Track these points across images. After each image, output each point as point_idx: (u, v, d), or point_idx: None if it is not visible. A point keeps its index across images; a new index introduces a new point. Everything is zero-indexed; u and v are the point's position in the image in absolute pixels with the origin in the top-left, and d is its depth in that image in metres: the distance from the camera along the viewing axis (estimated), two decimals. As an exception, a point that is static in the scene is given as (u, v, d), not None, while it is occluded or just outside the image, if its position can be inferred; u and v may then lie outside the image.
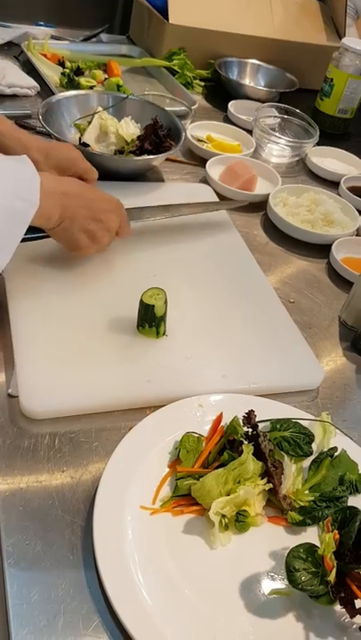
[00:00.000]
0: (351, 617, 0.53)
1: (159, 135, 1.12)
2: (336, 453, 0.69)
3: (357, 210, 1.15)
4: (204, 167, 1.18)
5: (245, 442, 0.65)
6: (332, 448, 0.69)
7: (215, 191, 1.13)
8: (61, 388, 0.69)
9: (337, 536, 0.55)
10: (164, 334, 0.79)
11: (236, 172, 1.14)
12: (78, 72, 1.43)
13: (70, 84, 1.37)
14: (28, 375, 0.69)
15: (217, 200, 1.11)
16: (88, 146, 1.11)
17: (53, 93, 1.27)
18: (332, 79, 1.50)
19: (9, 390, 0.68)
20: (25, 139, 0.86)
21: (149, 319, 0.77)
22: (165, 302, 0.77)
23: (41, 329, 0.76)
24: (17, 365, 0.70)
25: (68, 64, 1.46)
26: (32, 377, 0.69)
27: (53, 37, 1.59)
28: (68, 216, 0.76)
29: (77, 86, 1.36)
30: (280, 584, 0.57)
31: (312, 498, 0.64)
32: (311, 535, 0.62)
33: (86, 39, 1.68)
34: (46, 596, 0.53)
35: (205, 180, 1.17)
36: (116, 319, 0.80)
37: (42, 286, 0.82)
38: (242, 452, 0.63)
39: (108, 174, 1.06)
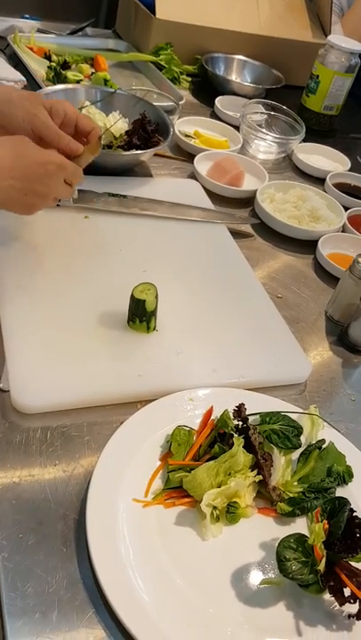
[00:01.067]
0: (340, 605, 0.55)
1: (147, 130, 1.12)
2: (324, 445, 0.70)
3: (343, 206, 1.16)
4: (192, 163, 1.18)
5: (236, 435, 0.66)
6: (320, 440, 0.70)
7: (203, 187, 1.14)
8: (53, 383, 0.69)
9: (326, 526, 0.56)
10: (154, 329, 0.80)
11: (224, 167, 1.15)
12: (65, 66, 1.42)
13: (57, 77, 1.37)
14: (19, 370, 0.69)
15: (205, 196, 1.12)
16: (76, 140, 1.11)
17: (40, 87, 1.26)
18: (317, 76, 1.52)
19: (0, 385, 0.68)
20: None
21: (140, 314, 0.77)
22: (156, 297, 0.77)
23: (31, 324, 0.76)
24: (7, 360, 0.70)
25: (54, 58, 1.45)
26: (23, 372, 0.69)
27: (39, 31, 1.58)
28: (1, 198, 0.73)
29: (64, 80, 1.36)
30: (270, 574, 0.58)
31: (301, 489, 0.66)
32: (300, 526, 0.63)
33: (72, 33, 1.67)
34: (40, 589, 0.53)
35: (193, 176, 1.18)
36: (107, 314, 0.80)
37: (32, 282, 0.82)
38: (232, 444, 0.64)
39: (95, 169, 1.06)
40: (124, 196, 1.03)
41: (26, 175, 0.73)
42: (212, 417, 0.70)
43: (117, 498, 0.60)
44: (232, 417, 0.68)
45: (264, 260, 1.04)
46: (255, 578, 0.58)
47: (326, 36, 1.56)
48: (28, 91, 0.87)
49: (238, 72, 1.65)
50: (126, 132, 1.13)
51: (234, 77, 1.63)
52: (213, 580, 0.57)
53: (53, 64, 1.41)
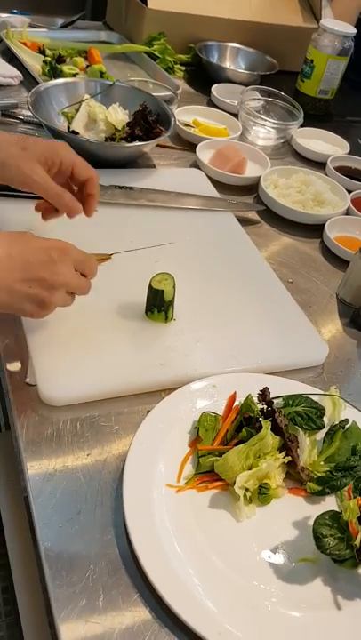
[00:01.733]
0: (376, 577, 0.56)
1: (149, 121, 1.12)
2: (347, 425, 0.71)
3: (346, 189, 1.17)
4: (193, 152, 1.19)
5: (262, 418, 0.67)
6: (343, 420, 0.72)
7: (207, 175, 1.14)
8: (77, 375, 0.70)
9: (360, 502, 0.57)
10: (172, 319, 0.80)
11: (226, 155, 1.16)
12: (60, 60, 1.42)
13: (53, 72, 1.36)
14: (44, 364, 0.70)
15: (209, 184, 1.12)
16: (77, 134, 1.11)
17: (37, 82, 1.26)
18: (312, 60, 1.52)
19: (27, 379, 0.69)
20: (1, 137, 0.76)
21: (158, 304, 0.78)
22: (174, 287, 0.78)
23: (51, 318, 0.76)
24: (32, 355, 0.71)
25: (48, 52, 1.45)
26: (48, 365, 0.70)
27: (31, 25, 1.57)
28: (2, 289, 0.63)
29: (60, 74, 1.35)
30: (305, 551, 0.59)
31: (328, 468, 0.67)
32: (329, 504, 0.65)
33: (63, 26, 1.66)
34: (84, 576, 0.54)
35: (196, 165, 1.18)
36: (124, 306, 0.81)
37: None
38: (260, 428, 0.65)
39: (98, 162, 1.06)
40: (131, 188, 1.04)
41: (27, 262, 0.64)
42: (235, 402, 0.72)
43: (151, 484, 0.61)
44: (256, 401, 0.69)
45: (272, 245, 1.05)
46: (291, 555, 0.59)
47: (318, 20, 1.56)
48: (22, 139, 0.77)
49: (232, 59, 1.65)
50: (127, 123, 1.13)
51: (228, 65, 1.63)
52: (250, 560, 0.58)
53: (48, 58, 1.40)
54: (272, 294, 0.91)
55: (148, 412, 0.68)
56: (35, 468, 0.61)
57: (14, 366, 0.71)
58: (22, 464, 0.62)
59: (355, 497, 0.58)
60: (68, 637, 0.51)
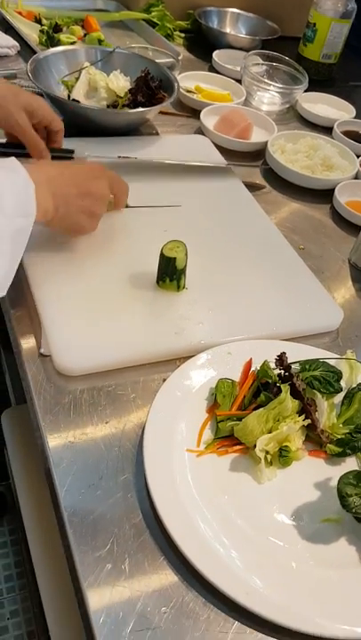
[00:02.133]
0: None
1: (151, 87, 1.10)
2: (365, 387, 0.71)
3: (354, 153, 1.15)
4: (197, 118, 1.17)
5: (280, 383, 0.66)
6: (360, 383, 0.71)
7: (212, 142, 1.12)
8: (91, 345, 0.69)
9: (383, 461, 0.57)
10: (184, 287, 0.79)
11: (232, 120, 1.13)
12: (57, 29, 1.38)
13: (50, 41, 1.33)
14: (58, 334, 0.69)
15: (215, 150, 1.10)
16: (78, 102, 1.09)
17: (34, 52, 1.23)
18: (314, 24, 1.48)
19: (41, 350, 0.68)
20: None
21: (170, 272, 0.77)
22: (186, 254, 0.77)
23: (63, 289, 0.75)
24: (44, 325, 0.70)
25: (44, 21, 1.41)
26: (61, 336, 0.69)
27: (25, -6, 1.53)
28: (62, 202, 0.72)
29: (58, 43, 1.32)
30: (328, 512, 0.59)
31: (347, 430, 0.67)
32: (350, 465, 0.65)
33: (59, -6, 1.62)
34: (109, 541, 0.54)
35: (200, 131, 1.16)
36: (135, 275, 0.80)
37: (58, 248, 0.81)
38: (278, 392, 0.65)
39: (101, 129, 1.05)
40: (135, 158, 1.02)
41: (77, 179, 0.75)
42: (251, 368, 0.71)
43: (172, 449, 0.60)
44: (273, 366, 0.69)
45: (281, 212, 1.03)
46: (313, 516, 0.59)
47: (320, -18, 1.52)
48: (16, 88, 0.88)
49: (232, 25, 1.61)
50: (130, 90, 1.11)
51: (228, 30, 1.59)
52: (274, 521, 0.58)
53: (45, 27, 1.37)
54: (284, 261, 0.90)
55: (164, 380, 0.67)
56: (54, 437, 0.61)
57: (27, 337, 0.71)
58: (42, 433, 0.61)
59: (377, 456, 0.58)
60: (96, 602, 0.51)
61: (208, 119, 1.15)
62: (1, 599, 1.40)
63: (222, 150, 1.11)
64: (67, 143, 0.95)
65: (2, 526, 1.53)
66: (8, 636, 1.34)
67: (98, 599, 0.51)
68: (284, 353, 0.68)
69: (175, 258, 0.76)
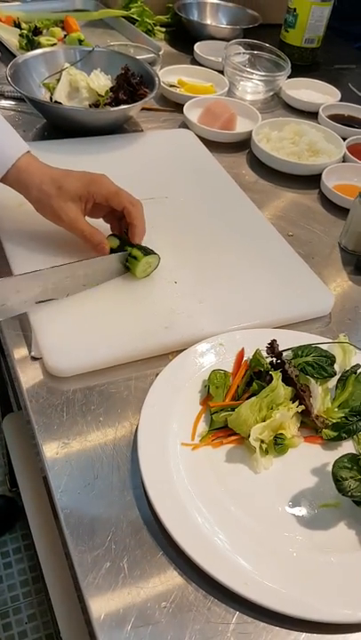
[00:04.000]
0: None
1: (132, 83, 1.10)
2: (359, 370, 0.70)
3: (340, 137, 1.14)
4: (181, 112, 1.16)
5: (272, 371, 0.66)
6: (354, 365, 0.71)
7: (196, 134, 1.12)
8: (82, 345, 0.69)
9: (378, 442, 0.56)
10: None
11: (215, 112, 1.13)
12: (37, 32, 1.38)
13: (30, 44, 1.33)
14: (47, 336, 0.69)
15: (200, 143, 1.10)
16: (60, 104, 1.08)
17: (15, 56, 1.23)
18: (295, 9, 1.47)
19: (31, 353, 0.68)
20: (39, 171, 0.78)
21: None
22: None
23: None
24: (34, 328, 0.70)
25: (24, 25, 1.41)
26: (51, 337, 0.69)
27: (3, 0, 1.53)
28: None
29: (38, 46, 1.32)
30: (326, 497, 0.59)
31: (342, 414, 0.66)
32: (346, 449, 0.64)
33: (37, -3, 1.61)
34: (107, 539, 0.54)
35: (185, 125, 1.15)
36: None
37: (41, 248, 0.81)
38: (270, 380, 0.64)
39: (85, 130, 1.04)
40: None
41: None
42: (244, 358, 0.71)
43: (167, 444, 0.60)
44: (265, 355, 0.68)
45: (269, 200, 1.03)
46: (312, 502, 0.59)
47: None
48: (61, 176, 0.78)
49: (213, 16, 1.61)
50: (111, 88, 1.10)
51: (209, 22, 1.58)
52: (272, 509, 0.58)
53: (24, 31, 1.36)
54: (273, 248, 0.89)
55: (157, 375, 0.67)
56: (48, 438, 0.61)
57: (18, 341, 0.71)
58: (35, 436, 0.61)
59: (372, 438, 0.58)
60: (95, 601, 0.51)
61: (191, 112, 1.15)
62: (18, 604, 1.41)
63: (207, 142, 1.11)
64: (53, 145, 0.95)
65: (15, 532, 1.53)
66: (27, 640, 1.35)
67: (98, 597, 0.51)
68: (275, 340, 0.68)
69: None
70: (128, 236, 0.79)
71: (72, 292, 0.74)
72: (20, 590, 1.43)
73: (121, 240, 0.79)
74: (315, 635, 0.50)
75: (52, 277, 0.72)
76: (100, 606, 0.50)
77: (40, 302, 0.72)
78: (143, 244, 0.79)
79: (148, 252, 0.78)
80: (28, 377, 0.67)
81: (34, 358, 0.68)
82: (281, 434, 0.63)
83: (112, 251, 0.78)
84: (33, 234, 0.82)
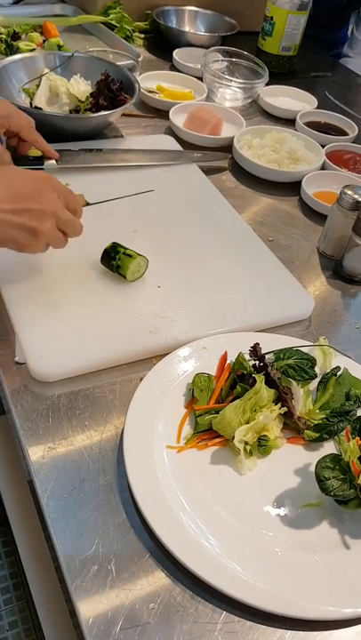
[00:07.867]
0: (380, 514, 0.57)
1: (112, 89, 1.10)
2: (339, 372, 0.72)
3: (319, 144, 1.16)
4: (161, 118, 1.17)
5: (255, 373, 0.67)
6: (334, 368, 0.72)
7: (183, 140, 1.13)
8: (66, 349, 0.70)
9: (359, 442, 0.58)
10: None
11: (202, 117, 1.14)
12: (15, 37, 1.38)
13: (9, 49, 1.32)
14: (31, 341, 0.69)
15: (181, 149, 1.11)
16: (40, 109, 1.08)
17: (-6, 61, 1.22)
18: (271, 17, 1.49)
19: (16, 358, 0.68)
20: None
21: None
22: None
23: (33, 294, 0.75)
24: (17, 333, 0.70)
25: (2, 30, 1.40)
26: (35, 342, 0.69)
27: (-20, 4, 1.53)
28: None
29: (17, 51, 1.32)
30: (309, 497, 0.60)
31: (324, 415, 0.68)
32: (328, 449, 0.66)
33: (16, 2, 1.61)
34: (94, 543, 0.54)
35: (169, 131, 1.16)
36: (106, 276, 0.80)
37: (26, 257, 0.80)
38: (253, 383, 0.65)
39: (65, 136, 1.05)
40: (100, 150, 1.03)
41: (15, 195, 0.67)
42: (227, 361, 0.72)
43: (152, 447, 0.61)
44: (248, 358, 0.69)
45: (249, 206, 1.04)
46: (295, 502, 0.60)
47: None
48: None
49: (191, 23, 1.62)
50: (91, 94, 1.11)
51: (187, 29, 1.60)
52: (257, 510, 0.59)
53: (3, 36, 1.36)
54: (253, 253, 0.90)
55: (142, 379, 0.68)
56: (33, 443, 0.61)
57: (2, 346, 0.71)
58: (21, 441, 0.61)
59: (353, 438, 0.59)
60: (83, 604, 0.51)
61: (176, 118, 1.16)
62: (-1, 611, 1.39)
63: (192, 148, 1.12)
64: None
65: (-5, 539, 1.52)
66: (8, 648, 1.33)
67: (86, 601, 0.51)
68: (258, 344, 0.69)
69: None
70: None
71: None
72: (1, 597, 1.41)
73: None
74: (301, 632, 0.51)
75: None
76: (89, 609, 0.50)
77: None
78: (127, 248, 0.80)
79: (139, 254, 0.79)
80: (13, 382, 0.67)
81: (18, 363, 0.68)
82: (264, 435, 0.64)
83: (35, 160, 0.92)
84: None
